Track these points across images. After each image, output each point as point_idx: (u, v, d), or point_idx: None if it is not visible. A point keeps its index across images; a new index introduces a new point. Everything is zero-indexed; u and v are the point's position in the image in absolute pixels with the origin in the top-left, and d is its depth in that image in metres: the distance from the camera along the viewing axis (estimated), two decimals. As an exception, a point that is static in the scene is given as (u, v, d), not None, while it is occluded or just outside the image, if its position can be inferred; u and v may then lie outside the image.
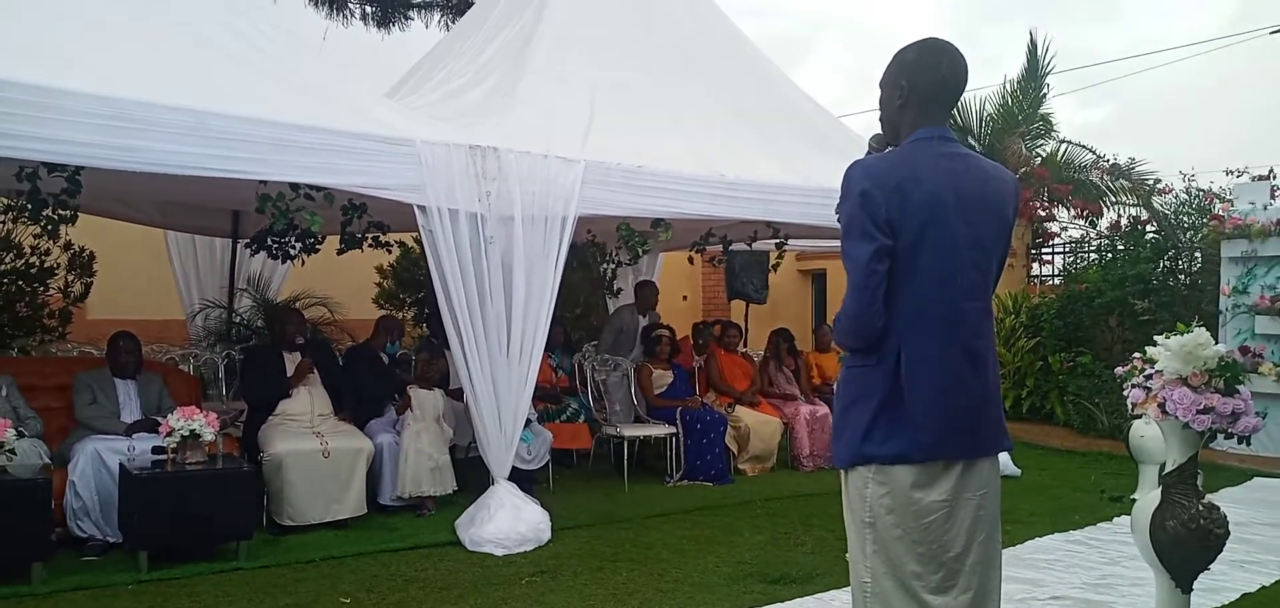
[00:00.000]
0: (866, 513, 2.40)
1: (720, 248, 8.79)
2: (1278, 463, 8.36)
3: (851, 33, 37.17)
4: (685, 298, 14.40)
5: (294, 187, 5.09)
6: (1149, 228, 11.63)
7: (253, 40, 5.47)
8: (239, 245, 8.81)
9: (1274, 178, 10.50)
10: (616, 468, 7.27)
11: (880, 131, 2.61)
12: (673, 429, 7.46)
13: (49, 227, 5.13)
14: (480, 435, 5.63)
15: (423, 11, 9.02)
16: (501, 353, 5.52)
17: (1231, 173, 10.85)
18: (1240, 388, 3.64)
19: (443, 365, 6.40)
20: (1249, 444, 4.04)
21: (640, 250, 6.49)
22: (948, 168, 2.39)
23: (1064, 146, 14.12)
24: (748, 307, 10.89)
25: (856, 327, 2.38)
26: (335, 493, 5.67)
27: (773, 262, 9.26)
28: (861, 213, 2.33)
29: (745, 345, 9.43)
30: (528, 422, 6.16)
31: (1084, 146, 13.90)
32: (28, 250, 8.52)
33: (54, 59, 4.31)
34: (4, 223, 8.30)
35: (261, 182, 4.96)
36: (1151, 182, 13.08)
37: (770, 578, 4.84)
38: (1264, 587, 4.76)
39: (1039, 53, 13.87)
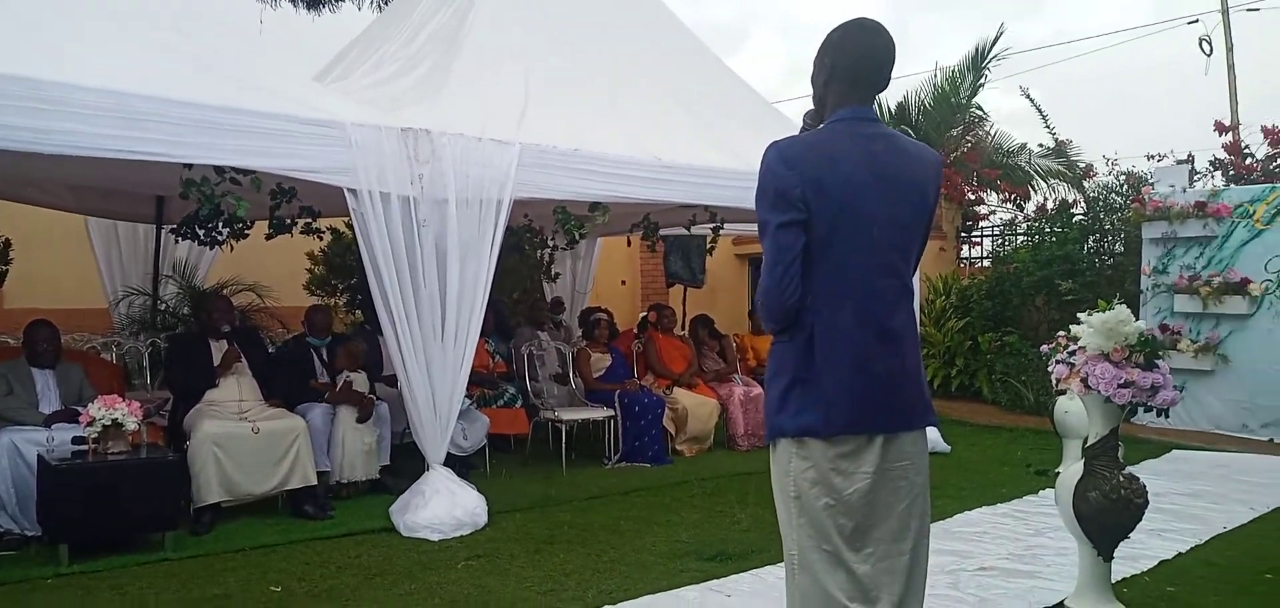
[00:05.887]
0: (791, 487, 2.44)
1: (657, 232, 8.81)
2: (1195, 436, 8.69)
3: (786, 23, 37.49)
4: (624, 282, 14.40)
5: (219, 170, 4.96)
6: (1075, 210, 11.91)
7: (178, 24, 5.31)
8: (164, 231, 8.56)
9: (1193, 163, 10.85)
10: (555, 453, 7.25)
11: (814, 109, 2.64)
12: (611, 412, 7.47)
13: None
14: (414, 421, 5.56)
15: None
16: (436, 338, 5.45)
17: (1152, 157, 11.20)
18: (1159, 363, 3.77)
19: (357, 349, 6.37)
20: (1167, 418, 4.20)
21: (577, 234, 6.47)
22: (866, 148, 2.40)
23: (994, 131, 14.37)
24: (685, 290, 10.93)
25: (770, 303, 2.41)
26: (268, 468, 5.51)
27: (708, 245, 9.31)
28: (775, 193, 2.37)
29: (683, 328, 9.48)
30: (464, 408, 6.11)
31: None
32: (-62, 238, 8.19)
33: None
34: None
35: (186, 165, 4.82)
36: (1083, 164, 13.40)
37: (706, 555, 4.89)
38: (1180, 554, 4.93)
39: (983, 47, 13.94)
